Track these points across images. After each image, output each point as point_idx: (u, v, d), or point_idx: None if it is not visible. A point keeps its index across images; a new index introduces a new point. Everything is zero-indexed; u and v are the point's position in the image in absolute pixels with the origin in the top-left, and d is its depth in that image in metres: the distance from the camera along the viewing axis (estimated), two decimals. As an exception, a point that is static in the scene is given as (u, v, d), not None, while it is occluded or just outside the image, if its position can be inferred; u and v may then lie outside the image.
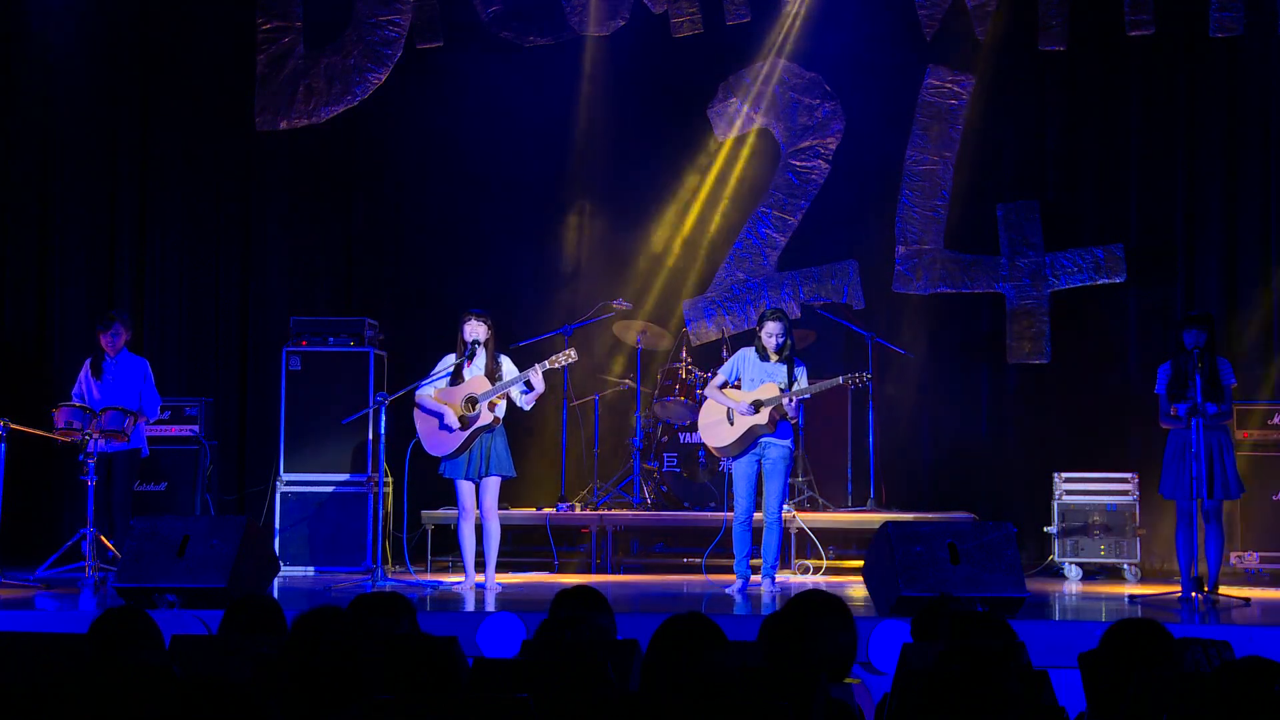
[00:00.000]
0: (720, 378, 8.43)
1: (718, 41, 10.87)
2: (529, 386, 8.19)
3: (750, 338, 8.47)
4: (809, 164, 10.87)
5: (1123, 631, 3.84)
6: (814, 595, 3.95)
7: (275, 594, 8.17)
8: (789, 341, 8.29)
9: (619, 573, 9.58)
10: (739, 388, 8.33)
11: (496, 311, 8.55)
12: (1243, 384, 8.69)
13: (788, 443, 8.27)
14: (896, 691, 3.74)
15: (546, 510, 9.75)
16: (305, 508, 9.79)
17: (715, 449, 8.50)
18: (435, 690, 3.72)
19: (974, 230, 10.69)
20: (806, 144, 10.88)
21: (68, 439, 8.74)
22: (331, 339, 9.98)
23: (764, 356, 8.27)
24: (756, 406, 8.12)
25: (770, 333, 8.24)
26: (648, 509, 9.92)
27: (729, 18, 10.81)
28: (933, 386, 10.59)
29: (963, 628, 4.27)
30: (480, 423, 8.19)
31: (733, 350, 8.71)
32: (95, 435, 8.63)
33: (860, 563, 7.92)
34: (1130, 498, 9.51)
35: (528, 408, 8.37)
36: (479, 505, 8.34)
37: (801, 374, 8.27)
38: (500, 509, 8.43)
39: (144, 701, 3.01)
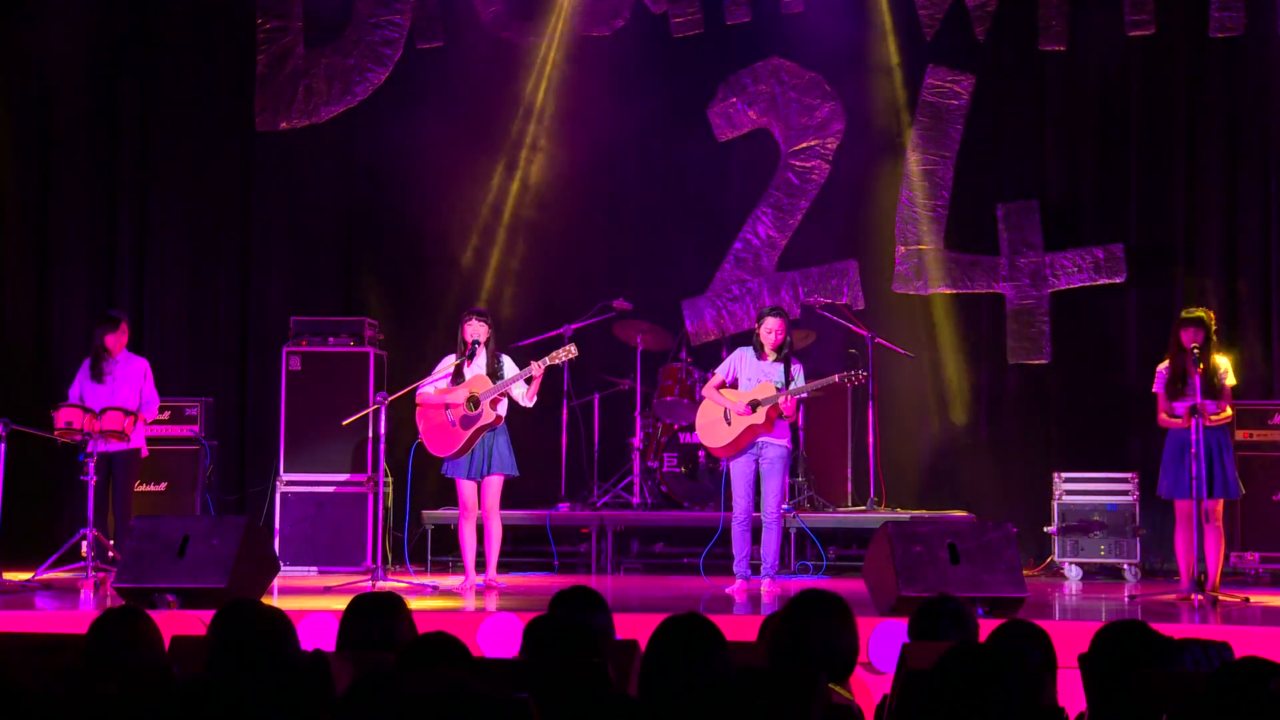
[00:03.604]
0: (717, 378, 8.40)
1: (718, 41, 10.86)
2: (529, 382, 8.19)
3: (750, 338, 8.46)
4: (809, 164, 10.86)
5: (1111, 632, 3.84)
6: (815, 594, 3.91)
7: (275, 594, 8.16)
8: (788, 339, 8.27)
9: (619, 573, 9.58)
10: (735, 387, 8.31)
11: (496, 312, 8.55)
12: (1242, 384, 8.68)
13: (785, 442, 8.25)
14: (896, 691, 3.73)
15: (546, 510, 9.75)
16: (305, 508, 9.79)
17: (712, 449, 8.48)
18: (434, 690, 3.71)
19: (974, 230, 10.68)
20: (806, 144, 10.87)
21: (68, 439, 8.74)
22: (331, 339, 9.98)
23: (761, 355, 8.25)
24: (753, 406, 8.10)
25: (769, 328, 8.20)
26: (648, 509, 9.91)
27: (729, 18, 10.80)
28: (933, 386, 10.59)
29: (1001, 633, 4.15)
30: (482, 421, 8.19)
31: (732, 350, 8.70)
32: (95, 435, 8.63)
33: (860, 563, 7.91)
34: (1130, 498, 9.50)
35: (529, 403, 8.36)
36: (481, 504, 8.33)
37: (798, 373, 8.25)
38: (501, 509, 8.43)
39: (144, 702, 3.01)
